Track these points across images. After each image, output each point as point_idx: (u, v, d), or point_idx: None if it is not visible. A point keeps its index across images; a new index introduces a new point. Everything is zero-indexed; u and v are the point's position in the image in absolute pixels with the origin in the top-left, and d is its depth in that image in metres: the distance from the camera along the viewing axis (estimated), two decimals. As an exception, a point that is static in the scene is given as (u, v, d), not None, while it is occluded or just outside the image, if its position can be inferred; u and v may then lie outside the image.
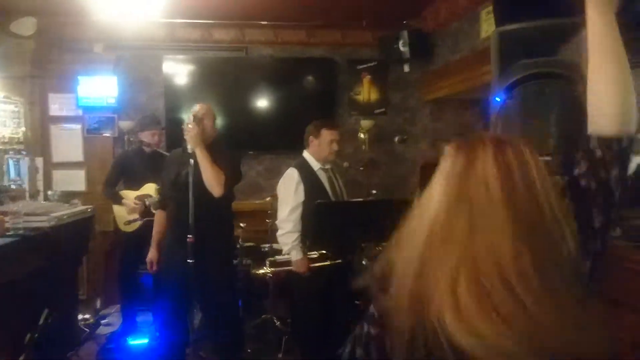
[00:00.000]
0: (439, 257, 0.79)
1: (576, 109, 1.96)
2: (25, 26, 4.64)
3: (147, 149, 4.07)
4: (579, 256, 0.85)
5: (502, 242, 0.76)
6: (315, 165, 3.19)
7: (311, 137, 3.20)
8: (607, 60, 0.90)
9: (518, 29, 2.08)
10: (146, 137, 4.08)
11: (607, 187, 0.89)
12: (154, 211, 3.91)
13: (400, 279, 0.83)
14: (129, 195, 4.04)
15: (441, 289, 0.76)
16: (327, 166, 3.26)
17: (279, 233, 3.13)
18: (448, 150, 0.90)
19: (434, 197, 0.85)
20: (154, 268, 3.20)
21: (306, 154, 3.24)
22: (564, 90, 1.96)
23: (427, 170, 2.93)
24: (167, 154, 4.00)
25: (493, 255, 0.75)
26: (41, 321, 2.79)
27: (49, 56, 4.88)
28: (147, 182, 4.00)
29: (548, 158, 2.02)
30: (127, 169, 4.15)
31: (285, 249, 3.11)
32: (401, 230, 0.89)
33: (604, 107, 0.90)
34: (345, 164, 3.91)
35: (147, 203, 3.91)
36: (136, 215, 3.98)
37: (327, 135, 3.17)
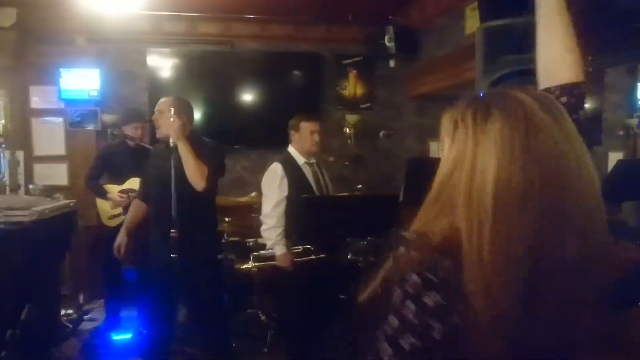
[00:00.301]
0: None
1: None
2: (5, 17, 4.56)
3: (131, 143, 4.03)
4: None
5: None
6: (299, 159, 3.20)
7: (292, 132, 3.24)
8: (556, 21, 1.04)
9: (502, 25, 2.09)
10: (130, 130, 4.05)
11: (579, 127, 0.89)
12: None
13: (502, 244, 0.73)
14: (113, 190, 4.01)
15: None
16: (312, 160, 3.26)
17: (262, 228, 3.13)
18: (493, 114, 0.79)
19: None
20: (122, 252, 3.15)
21: (291, 149, 3.25)
22: (547, 86, 1.99)
23: (413, 166, 2.95)
24: (151, 148, 3.97)
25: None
26: (23, 317, 2.76)
27: (30, 48, 4.79)
28: (131, 177, 3.97)
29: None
30: (110, 162, 4.11)
31: (268, 243, 3.11)
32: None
33: (559, 60, 1.02)
34: (331, 159, 3.92)
35: (131, 198, 3.88)
36: (120, 210, 3.95)
37: (306, 127, 3.19)
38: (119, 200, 3.95)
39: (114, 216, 3.99)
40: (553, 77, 1.02)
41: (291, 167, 3.15)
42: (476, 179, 0.76)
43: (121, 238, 3.16)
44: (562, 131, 0.78)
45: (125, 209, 3.93)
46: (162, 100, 2.94)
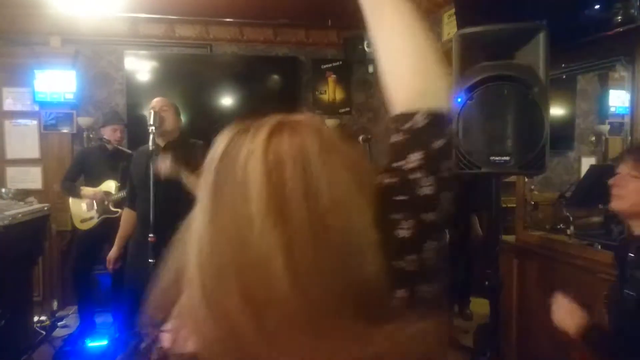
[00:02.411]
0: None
1: (531, 111, 2.04)
2: (-23, 17, 4.46)
3: (109, 146, 3.99)
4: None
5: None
6: None
7: None
8: (396, 34, 0.75)
9: (478, 32, 2.14)
10: (107, 132, 4.01)
11: (405, 180, 0.66)
12: (112, 209, 3.84)
13: None
14: (88, 192, 3.96)
15: None
16: None
17: None
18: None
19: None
20: (111, 266, 3.14)
21: None
22: (521, 92, 2.03)
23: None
24: (129, 151, 3.92)
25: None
26: (-6, 323, 2.69)
27: (3, 49, 4.69)
28: (107, 179, 3.92)
29: (507, 158, 2.09)
30: (87, 165, 4.06)
31: None
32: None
33: (395, 80, 0.75)
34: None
35: (104, 199, 3.86)
36: (93, 214, 3.91)
37: None
38: (94, 197, 3.90)
39: (86, 220, 3.94)
40: (392, 101, 0.74)
41: None
42: None
43: (113, 252, 3.12)
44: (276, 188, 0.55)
45: (100, 212, 3.89)
46: (159, 99, 2.96)
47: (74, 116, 4.80)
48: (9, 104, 4.75)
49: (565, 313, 1.63)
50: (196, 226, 0.58)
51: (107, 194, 3.89)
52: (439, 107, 0.69)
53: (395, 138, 0.70)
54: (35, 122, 4.79)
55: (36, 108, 4.76)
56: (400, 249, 0.63)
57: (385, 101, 0.73)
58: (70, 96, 4.74)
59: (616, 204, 1.60)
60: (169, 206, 2.71)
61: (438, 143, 0.67)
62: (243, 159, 0.58)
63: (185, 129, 3.16)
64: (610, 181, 1.62)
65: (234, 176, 0.58)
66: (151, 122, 2.72)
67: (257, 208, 0.54)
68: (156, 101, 2.93)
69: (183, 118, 4.93)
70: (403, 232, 0.64)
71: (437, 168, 0.66)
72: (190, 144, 2.92)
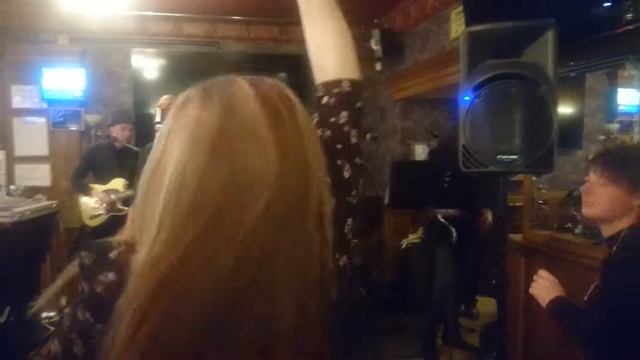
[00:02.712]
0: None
1: (539, 109, 2.03)
2: (-14, 15, 4.49)
3: (117, 144, 4.02)
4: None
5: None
6: None
7: None
8: (320, 15, 0.95)
9: (486, 30, 2.13)
10: (116, 131, 4.04)
11: (340, 132, 0.83)
12: (120, 207, 3.87)
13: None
14: (97, 189, 3.99)
15: None
16: None
17: None
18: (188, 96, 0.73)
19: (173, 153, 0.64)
20: None
21: None
22: (529, 90, 2.02)
23: (398, 168, 2.98)
24: (137, 149, 3.94)
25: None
26: (3, 319, 2.72)
27: (11, 47, 4.72)
28: (115, 177, 3.95)
29: (514, 157, 2.08)
30: (96, 163, 4.10)
31: None
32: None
33: (323, 56, 0.92)
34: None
35: (112, 197, 3.88)
36: (101, 211, 3.94)
37: None
38: (102, 197, 3.94)
39: (96, 216, 3.97)
40: (316, 72, 0.92)
41: None
42: (156, 177, 0.63)
43: None
44: (280, 129, 0.64)
45: (107, 209, 3.93)
46: (166, 96, 2.96)
47: (82, 114, 4.83)
48: (17, 102, 4.79)
49: (543, 285, 1.74)
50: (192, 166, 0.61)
51: (115, 192, 3.92)
52: (358, 77, 0.89)
53: (327, 100, 0.87)
54: (43, 120, 4.82)
55: (44, 106, 4.79)
56: (348, 187, 0.81)
57: (313, 72, 0.93)
58: (78, 94, 4.77)
59: (587, 211, 1.66)
60: None
61: (359, 104, 0.87)
62: (239, 101, 0.68)
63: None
64: (581, 188, 1.68)
65: (236, 118, 0.65)
66: (158, 120, 2.74)
67: (267, 139, 0.63)
68: (164, 99, 2.95)
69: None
70: (346, 173, 0.81)
71: (360, 122, 0.86)
72: None
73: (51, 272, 4.60)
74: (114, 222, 3.83)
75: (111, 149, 4.06)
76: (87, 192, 3.99)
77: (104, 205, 3.93)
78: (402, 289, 4.27)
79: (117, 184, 3.94)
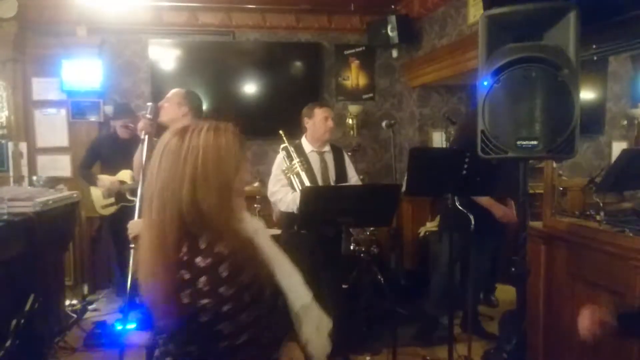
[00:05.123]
0: None
1: (560, 94, 1.98)
2: (6, 8, 4.54)
3: (124, 135, 4.10)
4: None
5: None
6: (307, 147, 3.25)
7: (306, 119, 3.28)
8: None
9: (505, 13, 2.08)
10: (117, 126, 4.14)
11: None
12: (129, 197, 3.94)
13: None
14: (103, 180, 4.09)
15: None
16: (324, 150, 3.29)
17: (278, 206, 3.19)
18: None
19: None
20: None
21: (303, 139, 3.32)
22: (550, 74, 1.97)
23: (415, 156, 2.94)
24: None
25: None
26: (27, 307, 2.78)
27: (31, 39, 4.78)
28: (122, 169, 4.04)
29: (535, 142, 2.04)
30: (102, 154, 4.19)
31: (291, 206, 3.09)
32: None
33: None
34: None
35: (119, 187, 4.03)
36: (112, 200, 4.05)
37: (320, 113, 3.24)
38: (108, 186, 4.02)
39: (107, 205, 4.07)
40: None
41: (297, 153, 3.18)
42: None
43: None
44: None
45: (117, 200, 4.02)
46: (173, 90, 2.95)
47: (101, 105, 4.88)
48: (38, 94, 4.86)
49: (590, 323, 1.56)
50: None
51: (123, 183, 4.01)
52: None
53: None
54: (63, 111, 4.89)
55: (64, 97, 4.85)
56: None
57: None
58: (96, 85, 4.82)
59: None
60: None
61: None
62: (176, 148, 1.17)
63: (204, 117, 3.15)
64: None
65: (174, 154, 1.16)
66: (149, 116, 2.72)
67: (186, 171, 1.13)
68: (170, 94, 2.93)
69: (205, 105, 4.97)
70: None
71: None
72: None
73: (73, 260, 4.69)
74: (125, 211, 3.90)
75: (115, 140, 4.14)
76: (93, 182, 4.08)
77: (110, 195, 4.04)
78: (420, 276, 4.26)
79: (125, 176, 4.03)
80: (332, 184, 3.27)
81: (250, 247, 1.16)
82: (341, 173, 3.35)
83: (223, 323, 1.08)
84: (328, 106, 3.51)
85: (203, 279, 1.06)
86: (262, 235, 1.29)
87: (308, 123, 3.28)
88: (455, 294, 3.33)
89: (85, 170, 4.16)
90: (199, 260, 1.08)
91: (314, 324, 1.31)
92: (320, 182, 3.19)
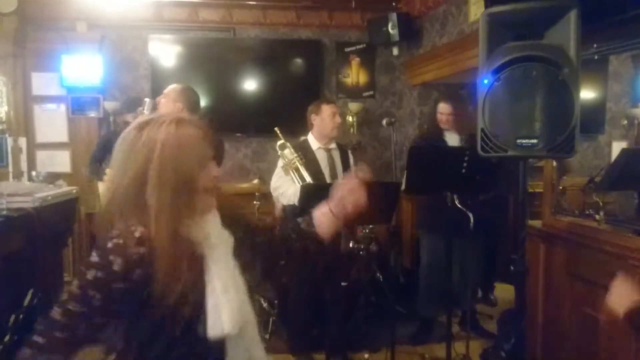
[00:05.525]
0: None
1: (561, 93, 1.98)
2: (6, 3, 4.53)
3: None
4: None
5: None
6: (314, 144, 3.25)
7: (313, 115, 3.28)
8: None
9: (506, 11, 2.08)
10: (131, 119, 4.07)
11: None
12: None
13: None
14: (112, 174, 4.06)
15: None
16: (331, 146, 3.29)
17: (280, 200, 3.21)
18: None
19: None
20: None
21: (309, 136, 3.33)
22: (550, 73, 1.97)
23: (415, 154, 2.94)
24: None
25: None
26: (26, 302, 2.78)
27: (31, 34, 4.77)
28: None
29: (535, 141, 2.04)
30: (111, 149, 4.13)
31: (292, 199, 3.09)
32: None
33: None
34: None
35: None
36: None
37: (327, 109, 3.26)
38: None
39: None
40: None
41: (303, 150, 3.18)
42: None
43: None
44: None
45: None
46: (171, 86, 2.95)
47: (101, 100, 4.88)
48: (37, 89, 4.85)
49: (621, 294, 1.55)
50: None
51: None
52: None
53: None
54: (63, 107, 4.88)
55: (64, 93, 4.84)
56: None
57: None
58: (96, 81, 4.81)
59: None
60: None
61: None
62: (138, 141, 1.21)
63: (206, 114, 3.16)
64: None
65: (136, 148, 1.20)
66: (143, 109, 2.73)
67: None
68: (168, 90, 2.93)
69: (206, 102, 4.97)
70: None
71: None
72: None
73: (73, 257, 4.69)
74: None
75: None
76: (102, 177, 4.06)
77: None
78: (419, 275, 4.26)
79: None
80: (341, 180, 3.27)
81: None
82: (348, 171, 3.36)
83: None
84: (334, 102, 3.53)
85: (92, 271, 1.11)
86: (214, 243, 1.20)
87: (315, 120, 3.27)
88: (449, 294, 3.32)
89: (95, 165, 4.14)
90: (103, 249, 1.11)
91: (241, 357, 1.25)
92: (328, 179, 3.20)
